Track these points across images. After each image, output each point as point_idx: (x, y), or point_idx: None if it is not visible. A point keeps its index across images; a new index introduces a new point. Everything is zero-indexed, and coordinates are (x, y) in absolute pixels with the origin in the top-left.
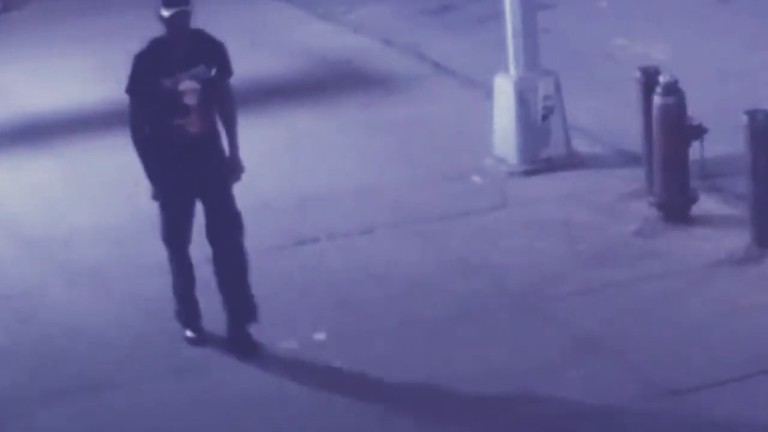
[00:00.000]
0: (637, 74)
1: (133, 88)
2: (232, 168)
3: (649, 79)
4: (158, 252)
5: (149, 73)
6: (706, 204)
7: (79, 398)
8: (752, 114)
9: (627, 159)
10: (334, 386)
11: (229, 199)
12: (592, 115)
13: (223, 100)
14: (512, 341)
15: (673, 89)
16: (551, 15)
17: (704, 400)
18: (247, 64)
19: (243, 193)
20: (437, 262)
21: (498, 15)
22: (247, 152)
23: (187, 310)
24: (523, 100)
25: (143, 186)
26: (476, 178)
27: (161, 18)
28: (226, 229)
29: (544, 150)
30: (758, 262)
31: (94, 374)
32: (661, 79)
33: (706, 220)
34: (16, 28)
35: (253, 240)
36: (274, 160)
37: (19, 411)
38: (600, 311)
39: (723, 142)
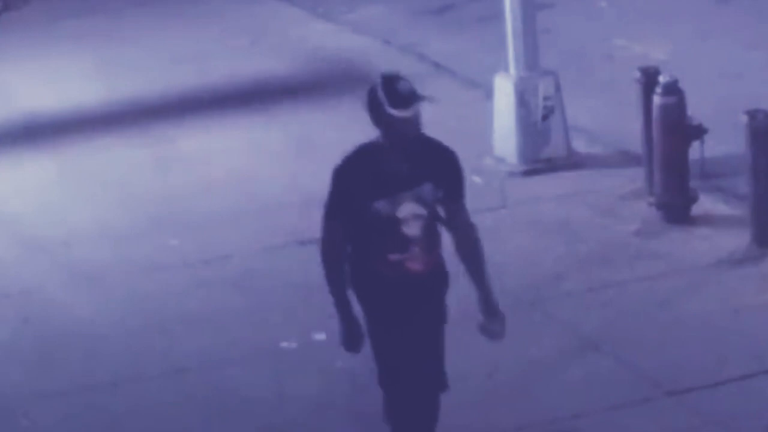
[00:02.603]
0: (637, 74)
1: (332, 212)
2: (490, 316)
3: (649, 79)
4: (158, 252)
5: (357, 193)
6: (706, 204)
7: (78, 398)
8: (752, 114)
9: (627, 159)
10: (334, 386)
11: (440, 354)
12: (592, 115)
13: (460, 228)
14: (512, 341)
15: (673, 89)
16: (551, 15)
17: (704, 400)
18: (247, 65)
19: (243, 193)
20: None
21: (498, 15)
22: (247, 152)
23: None
24: (523, 100)
25: (142, 186)
26: (476, 178)
27: (381, 119)
28: (429, 385)
29: (544, 150)
30: (758, 262)
31: (92, 374)
32: (661, 79)
33: (706, 220)
34: (16, 28)
35: (253, 240)
36: (274, 159)
37: (17, 410)
38: (600, 311)
39: (723, 142)
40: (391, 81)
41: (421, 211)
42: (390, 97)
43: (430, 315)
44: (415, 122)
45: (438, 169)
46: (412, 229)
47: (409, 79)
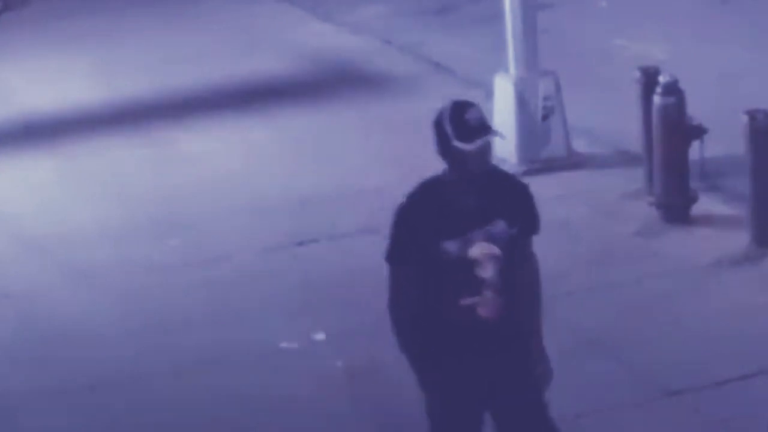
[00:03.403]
0: (637, 74)
1: (396, 254)
2: (536, 361)
3: (649, 79)
4: (158, 252)
5: (424, 233)
6: (706, 204)
7: (78, 398)
8: (752, 114)
9: (627, 159)
10: (334, 386)
11: (541, 417)
12: (592, 115)
13: (522, 263)
14: None
15: (673, 89)
16: (551, 15)
17: (704, 400)
18: (247, 65)
19: (243, 193)
20: None
21: (498, 15)
22: (247, 152)
23: None
24: (523, 100)
25: (142, 186)
26: None
27: (448, 152)
28: None
29: (544, 150)
30: (758, 262)
31: (93, 374)
32: (661, 79)
33: (706, 220)
34: (16, 28)
35: (252, 240)
36: (274, 160)
37: (17, 410)
38: (600, 311)
39: (723, 142)
40: (459, 110)
41: (495, 251)
42: (457, 128)
43: (511, 367)
44: (484, 156)
45: (511, 204)
46: (486, 271)
47: (479, 106)
